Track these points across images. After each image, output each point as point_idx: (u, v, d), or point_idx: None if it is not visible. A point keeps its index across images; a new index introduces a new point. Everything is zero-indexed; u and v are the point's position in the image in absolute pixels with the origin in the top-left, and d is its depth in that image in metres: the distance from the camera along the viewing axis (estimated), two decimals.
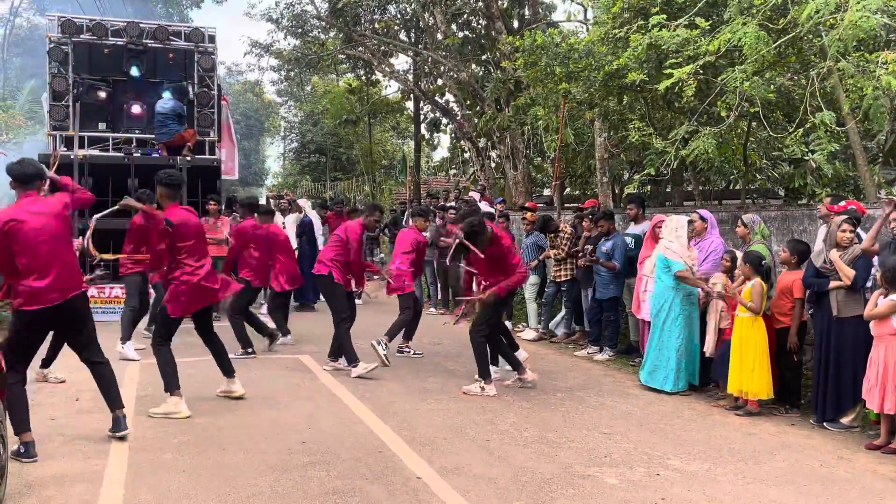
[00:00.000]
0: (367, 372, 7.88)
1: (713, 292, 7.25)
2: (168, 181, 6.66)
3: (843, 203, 7.24)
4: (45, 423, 6.00)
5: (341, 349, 8.22)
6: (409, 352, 9.21)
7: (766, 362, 6.73)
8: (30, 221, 5.31)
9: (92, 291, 11.35)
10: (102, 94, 13.29)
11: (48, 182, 5.75)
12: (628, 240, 9.25)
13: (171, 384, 6.43)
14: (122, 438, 5.62)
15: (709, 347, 7.40)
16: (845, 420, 6.31)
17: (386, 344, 8.38)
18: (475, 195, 15.67)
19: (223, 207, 12.84)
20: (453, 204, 14.22)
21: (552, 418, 6.52)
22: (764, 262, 6.94)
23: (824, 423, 6.38)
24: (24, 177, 5.47)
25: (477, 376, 7.47)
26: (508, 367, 7.91)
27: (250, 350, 8.96)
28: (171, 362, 6.48)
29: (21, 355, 5.38)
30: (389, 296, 9.34)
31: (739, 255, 7.36)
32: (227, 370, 7.02)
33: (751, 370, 6.70)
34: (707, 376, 7.64)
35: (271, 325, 9.80)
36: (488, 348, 7.58)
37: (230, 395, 6.97)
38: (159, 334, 6.65)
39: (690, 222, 7.85)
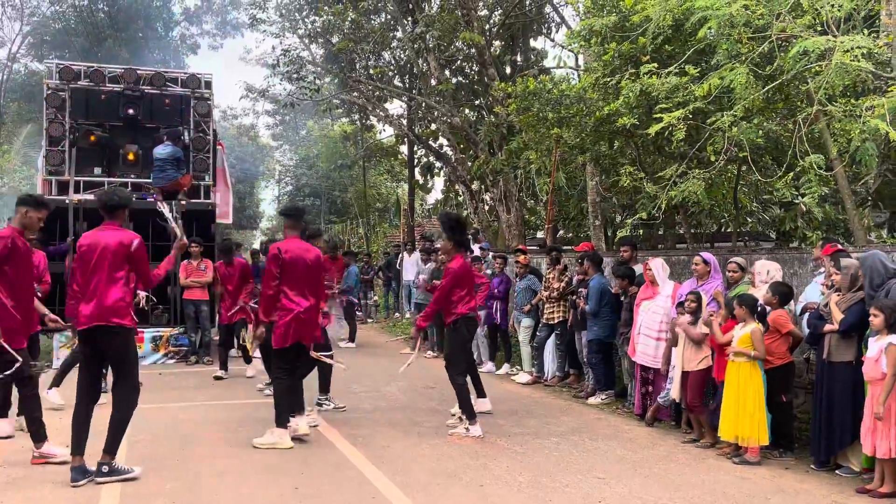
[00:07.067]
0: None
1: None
2: (291, 212, 7.31)
3: (827, 246, 7.32)
4: (35, 468, 5.95)
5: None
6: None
7: (762, 407, 6.61)
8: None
9: None
10: (97, 140, 13.39)
11: None
12: (614, 282, 9.25)
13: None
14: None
15: (675, 392, 7.43)
16: (854, 466, 6.25)
17: (324, 400, 8.53)
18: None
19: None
20: None
21: (546, 463, 6.49)
22: (760, 304, 6.93)
23: (836, 471, 6.28)
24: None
25: (459, 414, 7.58)
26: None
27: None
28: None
29: None
30: None
31: (705, 297, 7.39)
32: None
33: (750, 415, 6.55)
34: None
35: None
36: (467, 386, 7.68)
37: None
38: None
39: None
